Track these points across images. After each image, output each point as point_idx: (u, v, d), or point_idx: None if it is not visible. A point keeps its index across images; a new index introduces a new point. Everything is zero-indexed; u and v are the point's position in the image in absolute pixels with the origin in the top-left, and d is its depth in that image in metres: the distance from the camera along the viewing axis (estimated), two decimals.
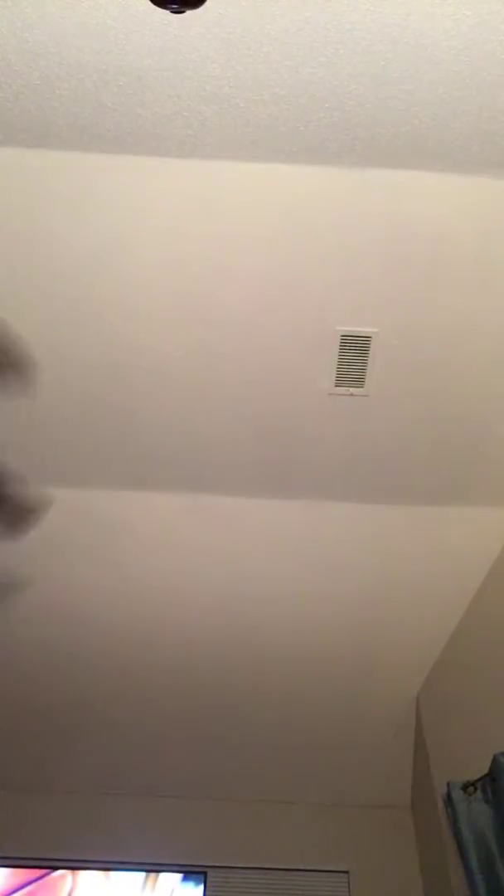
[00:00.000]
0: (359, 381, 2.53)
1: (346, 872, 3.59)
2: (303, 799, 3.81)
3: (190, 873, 3.60)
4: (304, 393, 2.59)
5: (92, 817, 3.73)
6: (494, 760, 2.52)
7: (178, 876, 3.60)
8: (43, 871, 3.59)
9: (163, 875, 3.60)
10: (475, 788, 2.65)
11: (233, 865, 3.60)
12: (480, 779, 2.62)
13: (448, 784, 2.75)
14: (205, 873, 3.59)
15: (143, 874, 3.60)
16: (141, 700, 3.59)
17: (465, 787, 2.69)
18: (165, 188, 2.11)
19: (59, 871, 3.59)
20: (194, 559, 3.15)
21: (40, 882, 3.55)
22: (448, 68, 1.79)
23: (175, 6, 1.29)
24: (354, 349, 2.46)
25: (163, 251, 2.24)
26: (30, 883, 3.55)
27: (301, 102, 1.89)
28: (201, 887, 3.55)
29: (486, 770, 2.59)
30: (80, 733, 3.69)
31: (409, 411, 2.64)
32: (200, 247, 2.23)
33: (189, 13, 1.65)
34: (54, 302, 2.36)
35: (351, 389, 2.56)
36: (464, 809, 2.62)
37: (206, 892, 3.54)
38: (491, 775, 2.55)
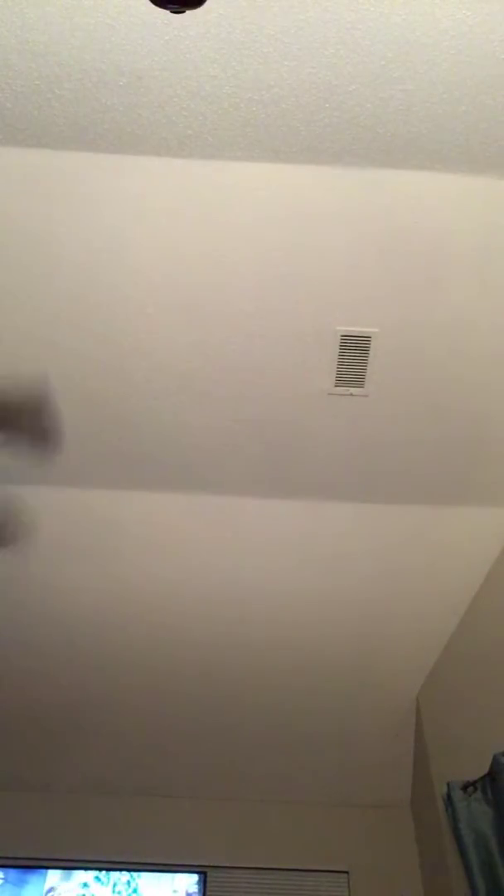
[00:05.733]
0: (359, 381, 2.53)
1: (346, 872, 3.59)
2: (303, 799, 3.82)
3: (190, 873, 3.60)
4: (304, 393, 2.59)
5: (92, 817, 3.73)
6: (494, 760, 2.52)
7: (178, 876, 3.60)
8: None
9: (163, 875, 3.60)
10: (475, 788, 2.65)
11: (233, 865, 3.61)
12: (480, 779, 2.63)
13: (448, 784, 2.75)
14: (205, 873, 3.59)
15: (142, 874, 3.60)
16: (141, 700, 3.59)
17: (465, 787, 2.69)
18: (165, 188, 2.11)
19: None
20: (194, 559, 3.15)
21: None
22: (448, 68, 1.79)
23: (175, 6, 1.29)
24: (354, 349, 2.45)
25: (162, 251, 2.24)
26: None
27: (301, 102, 1.89)
28: (201, 887, 3.55)
29: (486, 770, 2.59)
30: (80, 733, 3.69)
31: (409, 411, 2.64)
32: (200, 247, 2.23)
33: (189, 13, 1.66)
34: (54, 301, 2.36)
35: (351, 389, 2.56)
36: (464, 809, 2.62)
37: (206, 892, 3.54)
38: (491, 775, 2.55)
